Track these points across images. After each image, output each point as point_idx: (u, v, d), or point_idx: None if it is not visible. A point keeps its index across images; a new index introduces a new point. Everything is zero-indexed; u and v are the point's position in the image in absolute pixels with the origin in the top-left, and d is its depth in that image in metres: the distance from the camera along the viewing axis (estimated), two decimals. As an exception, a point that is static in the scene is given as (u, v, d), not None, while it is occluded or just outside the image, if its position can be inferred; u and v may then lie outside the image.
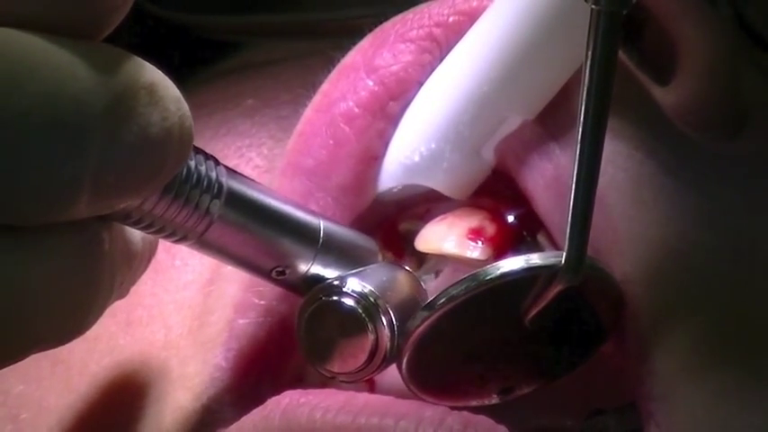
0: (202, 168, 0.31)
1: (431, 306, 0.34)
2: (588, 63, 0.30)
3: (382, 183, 0.39)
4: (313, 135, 0.38)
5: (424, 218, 0.40)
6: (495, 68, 0.37)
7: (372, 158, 0.39)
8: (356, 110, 0.38)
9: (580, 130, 0.30)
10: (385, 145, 0.39)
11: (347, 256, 0.36)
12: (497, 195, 0.39)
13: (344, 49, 0.40)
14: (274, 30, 0.50)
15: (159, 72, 0.28)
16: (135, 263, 0.32)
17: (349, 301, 0.33)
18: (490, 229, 0.39)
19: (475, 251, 0.38)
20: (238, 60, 0.51)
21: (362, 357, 0.33)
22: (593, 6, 0.29)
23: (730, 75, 0.34)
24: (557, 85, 0.37)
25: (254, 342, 0.36)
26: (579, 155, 0.31)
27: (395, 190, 0.39)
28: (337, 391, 0.34)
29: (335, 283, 0.34)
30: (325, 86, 0.39)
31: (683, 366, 0.33)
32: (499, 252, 0.38)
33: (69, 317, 0.28)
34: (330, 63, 0.40)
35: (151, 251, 0.33)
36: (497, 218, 0.39)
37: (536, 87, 0.37)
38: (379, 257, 0.37)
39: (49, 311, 0.27)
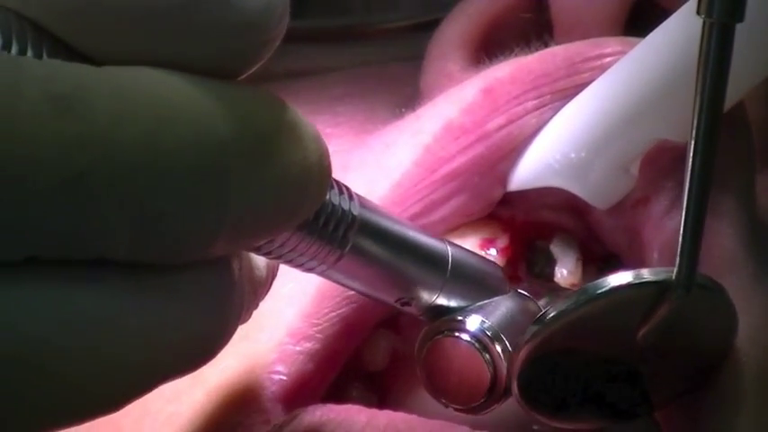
0: (336, 201, 0.30)
1: (541, 320, 0.33)
2: (701, 74, 0.30)
3: (518, 181, 0.39)
4: (412, 190, 0.38)
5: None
6: (652, 88, 0.36)
7: (468, 216, 0.39)
8: (464, 171, 0.38)
9: (692, 143, 0.30)
10: (489, 206, 0.39)
11: (474, 285, 0.35)
12: (510, 205, 0.40)
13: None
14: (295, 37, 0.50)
15: (297, 111, 0.27)
16: (260, 288, 0.31)
17: (468, 338, 0.33)
18: (503, 238, 0.39)
19: (487, 261, 0.38)
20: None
21: (480, 394, 0.34)
22: (705, 19, 0.29)
23: None
24: None
25: (301, 372, 0.36)
26: (691, 166, 0.31)
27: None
28: (360, 409, 0.34)
29: (458, 317, 0.34)
30: (428, 141, 0.38)
31: None
32: (512, 262, 0.39)
33: (199, 349, 0.27)
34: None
35: (273, 274, 0.32)
36: (510, 228, 0.40)
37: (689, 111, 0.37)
38: (507, 287, 0.36)
39: (179, 347, 0.26)
